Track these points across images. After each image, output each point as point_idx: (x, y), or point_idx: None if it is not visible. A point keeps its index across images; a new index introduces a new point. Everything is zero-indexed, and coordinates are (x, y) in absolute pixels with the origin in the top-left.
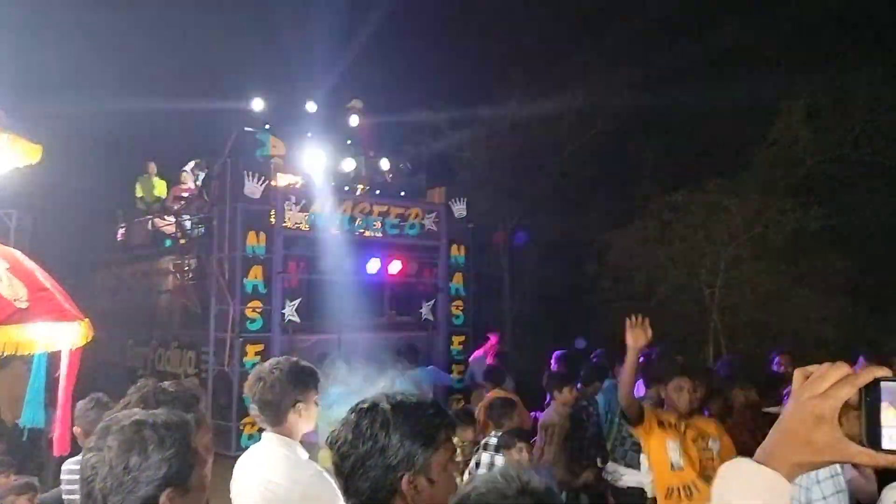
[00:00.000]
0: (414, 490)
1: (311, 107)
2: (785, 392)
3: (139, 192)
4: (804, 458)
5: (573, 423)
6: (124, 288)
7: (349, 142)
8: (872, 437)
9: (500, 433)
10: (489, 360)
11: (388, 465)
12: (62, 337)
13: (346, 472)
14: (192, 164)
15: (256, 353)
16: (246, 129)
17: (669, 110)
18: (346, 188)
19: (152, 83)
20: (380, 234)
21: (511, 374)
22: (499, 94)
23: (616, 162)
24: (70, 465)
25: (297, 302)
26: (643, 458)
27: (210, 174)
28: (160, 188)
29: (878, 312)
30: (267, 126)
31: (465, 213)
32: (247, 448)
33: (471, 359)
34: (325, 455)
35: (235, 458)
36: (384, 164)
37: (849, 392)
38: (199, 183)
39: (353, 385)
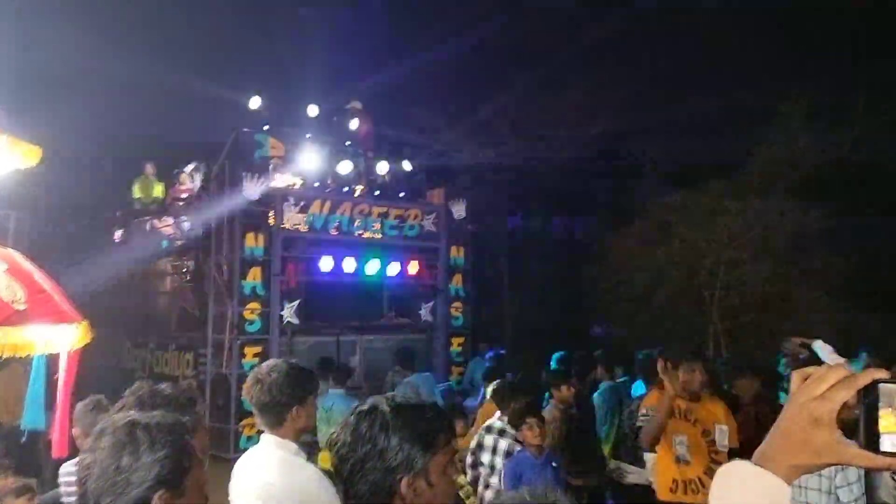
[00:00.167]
0: (413, 493)
1: (312, 111)
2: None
3: (136, 194)
4: (802, 461)
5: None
6: (122, 289)
7: (348, 143)
8: (870, 439)
9: (503, 417)
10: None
11: (387, 468)
12: (60, 339)
13: (346, 474)
14: (191, 166)
15: (255, 355)
16: (244, 129)
17: (669, 111)
18: (345, 189)
19: (151, 85)
20: (379, 236)
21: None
22: (498, 94)
23: (616, 163)
24: (68, 468)
25: (295, 304)
26: (648, 455)
27: (209, 175)
28: (158, 189)
29: (879, 314)
30: (266, 127)
31: (464, 214)
32: (245, 450)
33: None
34: (325, 457)
35: (234, 461)
36: (382, 167)
37: (847, 394)
38: (195, 183)
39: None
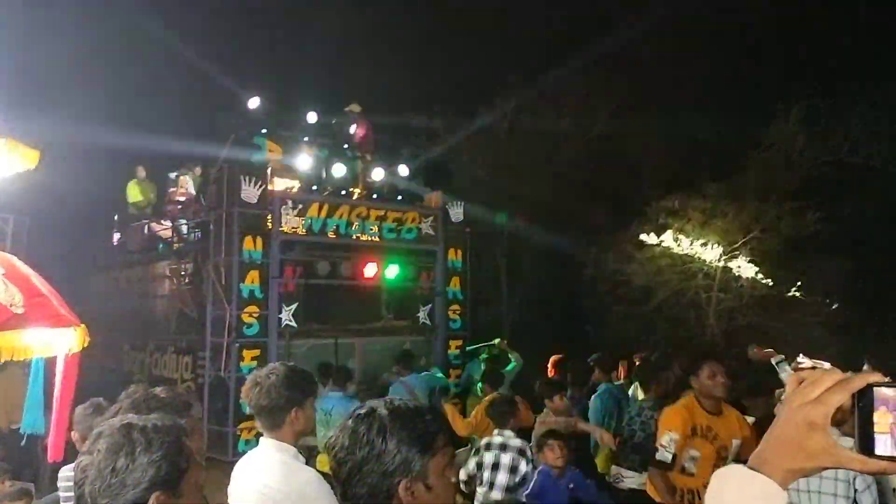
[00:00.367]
0: (411, 496)
1: (311, 117)
2: None
3: (130, 198)
4: (797, 465)
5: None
6: (121, 293)
7: (346, 146)
8: (865, 442)
9: (504, 432)
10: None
11: (385, 471)
12: (58, 343)
13: (344, 477)
14: (197, 169)
15: (253, 359)
16: (243, 132)
17: (667, 114)
18: (343, 192)
19: (150, 87)
20: (377, 239)
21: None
22: (496, 97)
23: (613, 166)
24: (67, 471)
25: (293, 307)
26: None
27: (207, 179)
28: (150, 192)
29: (875, 316)
30: (264, 130)
31: (462, 217)
32: (244, 453)
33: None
34: (323, 460)
35: (232, 464)
36: (377, 173)
37: (841, 398)
38: (191, 187)
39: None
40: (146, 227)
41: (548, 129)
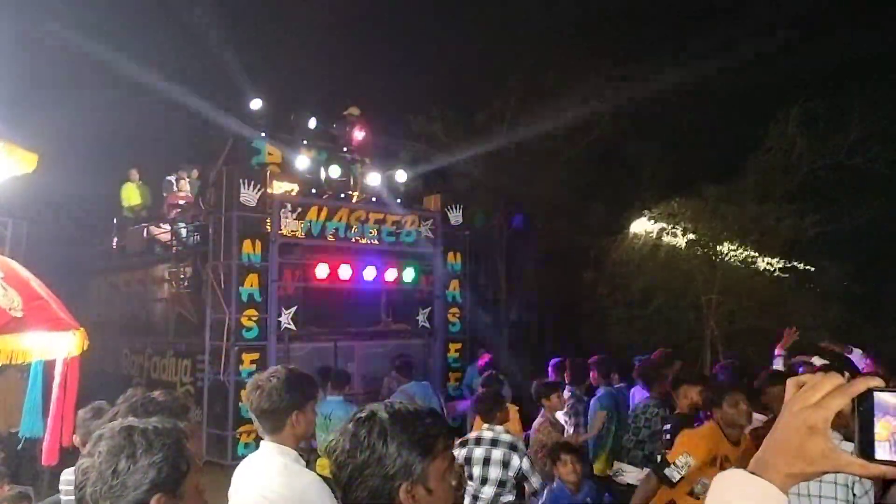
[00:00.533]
0: (412, 499)
1: (311, 123)
2: None
3: (124, 201)
4: (797, 469)
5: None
6: (120, 296)
7: (345, 149)
8: (865, 447)
9: (494, 427)
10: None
11: (385, 475)
12: (57, 346)
13: (344, 481)
14: (195, 171)
15: (252, 362)
16: (242, 136)
17: (666, 117)
18: (342, 195)
19: (150, 90)
20: (376, 242)
21: (508, 381)
22: (495, 100)
23: (613, 168)
24: (68, 475)
25: (292, 310)
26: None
27: (206, 182)
28: (144, 194)
29: (874, 319)
30: (263, 134)
31: (461, 220)
32: (243, 457)
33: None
34: (323, 463)
35: (232, 467)
36: (374, 178)
37: (841, 402)
38: (189, 187)
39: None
40: (145, 230)
41: (547, 131)
